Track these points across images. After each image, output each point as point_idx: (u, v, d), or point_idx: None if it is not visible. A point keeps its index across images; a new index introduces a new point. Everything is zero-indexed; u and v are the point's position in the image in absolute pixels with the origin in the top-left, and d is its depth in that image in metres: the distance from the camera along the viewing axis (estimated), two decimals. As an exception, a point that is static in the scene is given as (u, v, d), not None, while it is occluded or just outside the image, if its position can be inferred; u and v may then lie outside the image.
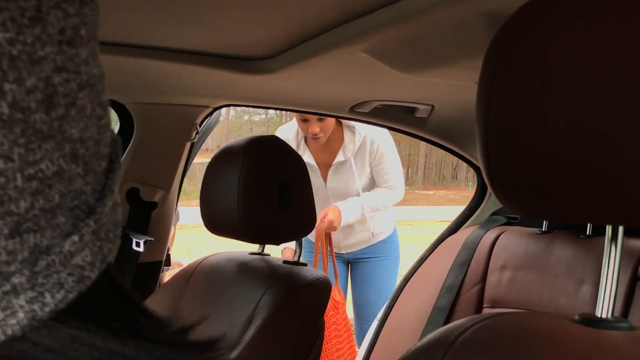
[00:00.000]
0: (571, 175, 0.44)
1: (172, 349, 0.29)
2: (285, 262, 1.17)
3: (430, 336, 0.55)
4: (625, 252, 1.24)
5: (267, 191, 1.04)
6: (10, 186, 0.22)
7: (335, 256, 2.31)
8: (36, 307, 0.24)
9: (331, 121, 2.16)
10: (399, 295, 1.79)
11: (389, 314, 1.78)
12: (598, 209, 0.45)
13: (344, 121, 2.19)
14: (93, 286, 0.27)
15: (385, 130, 2.17)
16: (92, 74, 0.26)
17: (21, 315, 0.24)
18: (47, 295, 0.25)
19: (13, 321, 0.24)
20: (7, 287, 0.23)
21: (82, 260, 0.26)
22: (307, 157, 2.23)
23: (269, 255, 1.24)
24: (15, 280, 0.24)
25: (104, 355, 0.27)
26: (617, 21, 0.41)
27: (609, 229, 0.52)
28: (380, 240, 2.39)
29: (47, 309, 0.25)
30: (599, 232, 1.44)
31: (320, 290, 1.10)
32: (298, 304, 1.05)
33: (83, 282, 0.27)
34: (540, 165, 0.45)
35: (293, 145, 2.14)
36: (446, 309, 1.64)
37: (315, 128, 2.12)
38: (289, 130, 2.30)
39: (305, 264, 1.16)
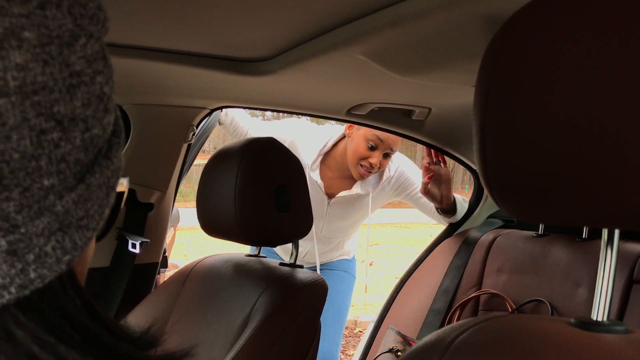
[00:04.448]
0: (568, 178, 0.44)
1: None
2: (281, 264, 1.17)
3: (426, 338, 0.55)
4: (620, 256, 1.24)
5: (265, 193, 1.04)
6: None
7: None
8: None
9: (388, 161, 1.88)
10: (395, 297, 1.79)
11: (385, 316, 1.77)
12: (595, 212, 0.45)
13: None
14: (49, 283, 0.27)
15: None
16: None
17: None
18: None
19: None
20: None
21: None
22: (315, 176, 1.92)
23: (265, 257, 1.23)
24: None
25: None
26: (615, 23, 0.41)
27: (605, 233, 0.52)
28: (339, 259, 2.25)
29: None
30: (595, 235, 1.44)
31: (317, 292, 1.10)
32: (294, 306, 1.05)
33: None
34: (537, 168, 0.45)
35: (313, 155, 1.92)
36: (442, 312, 1.64)
37: (377, 160, 1.82)
38: (314, 135, 1.95)
39: (301, 266, 1.16)
